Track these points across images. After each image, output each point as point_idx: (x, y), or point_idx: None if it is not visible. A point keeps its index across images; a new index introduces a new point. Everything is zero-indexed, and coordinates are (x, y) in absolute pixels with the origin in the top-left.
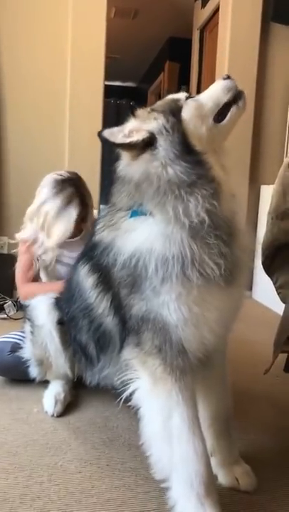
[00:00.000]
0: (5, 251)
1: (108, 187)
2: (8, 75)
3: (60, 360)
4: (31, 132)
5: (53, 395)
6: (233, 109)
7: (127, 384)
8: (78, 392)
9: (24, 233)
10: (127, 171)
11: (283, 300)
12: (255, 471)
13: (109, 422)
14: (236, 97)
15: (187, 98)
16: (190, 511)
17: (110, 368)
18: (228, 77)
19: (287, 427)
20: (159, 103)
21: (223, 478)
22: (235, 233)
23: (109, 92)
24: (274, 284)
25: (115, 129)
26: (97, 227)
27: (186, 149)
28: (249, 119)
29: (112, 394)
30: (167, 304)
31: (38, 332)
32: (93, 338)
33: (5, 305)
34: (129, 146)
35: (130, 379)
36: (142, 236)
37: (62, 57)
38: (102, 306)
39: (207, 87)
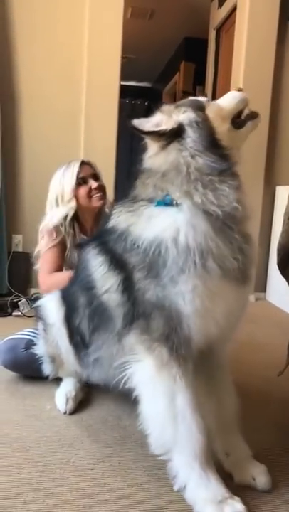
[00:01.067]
0: (20, 249)
1: (123, 189)
2: (24, 75)
3: (70, 357)
4: (46, 133)
5: (64, 393)
6: (249, 123)
7: (125, 368)
8: (90, 391)
9: (46, 220)
10: (154, 160)
11: None
12: (270, 473)
13: (121, 421)
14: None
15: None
16: (194, 479)
17: (103, 351)
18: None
19: None
20: (183, 101)
21: (239, 477)
22: (249, 232)
23: (124, 92)
24: None
25: (144, 120)
26: (114, 212)
27: (214, 143)
28: (265, 121)
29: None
30: (183, 294)
31: (50, 330)
32: (90, 317)
33: (19, 302)
34: (158, 135)
35: (129, 362)
36: (164, 223)
37: (78, 56)
38: (107, 284)
39: (223, 87)
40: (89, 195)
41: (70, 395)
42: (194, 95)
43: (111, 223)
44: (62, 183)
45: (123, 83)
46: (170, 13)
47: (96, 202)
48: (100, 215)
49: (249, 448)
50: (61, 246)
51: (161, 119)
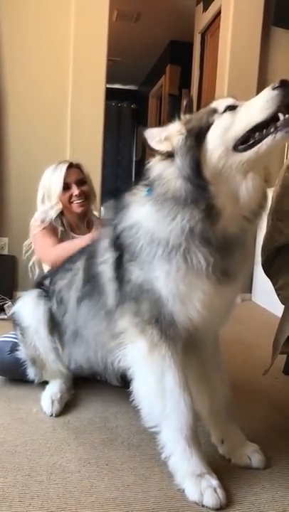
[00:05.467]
0: (5, 252)
1: (111, 188)
2: (9, 78)
3: (50, 357)
4: (32, 135)
5: (49, 395)
6: (267, 139)
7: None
8: (78, 393)
9: (37, 214)
10: (151, 166)
11: (283, 301)
12: (255, 473)
13: (108, 423)
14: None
15: (227, 109)
16: (178, 452)
17: (90, 326)
18: (283, 85)
19: (287, 429)
20: (200, 112)
21: (237, 459)
22: (234, 248)
23: (110, 94)
24: (274, 285)
25: (155, 131)
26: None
27: (195, 173)
28: None
29: (111, 394)
30: (159, 278)
31: (26, 333)
32: (83, 283)
33: (5, 306)
34: (158, 152)
35: (123, 343)
36: (141, 211)
37: (64, 59)
38: (105, 255)
39: (208, 90)
40: (70, 201)
41: (55, 397)
42: (180, 98)
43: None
44: (49, 184)
45: (109, 86)
46: (156, 16)
47: (76, 208)
48: (86, 218)
49: (240, 431)
50: (53, 231)
51: (170, 134)
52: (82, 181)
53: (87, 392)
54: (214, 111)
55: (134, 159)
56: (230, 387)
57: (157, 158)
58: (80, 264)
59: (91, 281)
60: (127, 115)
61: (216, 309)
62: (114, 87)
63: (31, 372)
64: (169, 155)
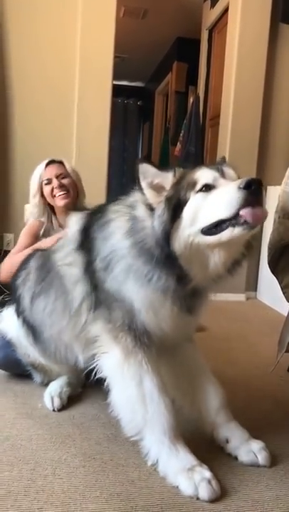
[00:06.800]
0: (11, 248)
1: (116, 186)
2: (16, 74)
3: (43, 359)
4: (38, 131)
5: (49, 392)
6: (226, 232)
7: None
8: (84, 388)
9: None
10: (137, 202)
11: (288, 299)
12: (260, 471)
13: (112, 419)
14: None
15: (203, 188)
16: (165, 452)
17: (50, 323)
18: (250, 186)
19: None
20: (187, 176)
21: (243, 456)
22: (201, 295)
23: (116, 91)
24: (280, 283)
25: (151, 171)
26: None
27: (165, 244)
28: (256, 120)
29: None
30: (131, 291)
31: (15, 345)
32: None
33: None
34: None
35: (97, 355)
36: (121, 245)
37: (71, 55)
38: (71, 257)
39: (215, 87)
40: (52, 194)
41: (54, 393)
42: (186, 95)
43: None
44: (31, 182)
45: (116, 83)
46: (163, 13)
47: (59, 201)
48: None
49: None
50: (30, 233)
51: (159, 184)
52: (63, 176)
53: (92, 389)
54: (194, 185)
55: (140, 156)
56: (235, 386)
57: (144, 199)
58: (33, 263)
59: (49, 278)
60: (133, 112)
61: (180, 329)
62: (120, 84)
63: (36, 377)
64: (151, 208)
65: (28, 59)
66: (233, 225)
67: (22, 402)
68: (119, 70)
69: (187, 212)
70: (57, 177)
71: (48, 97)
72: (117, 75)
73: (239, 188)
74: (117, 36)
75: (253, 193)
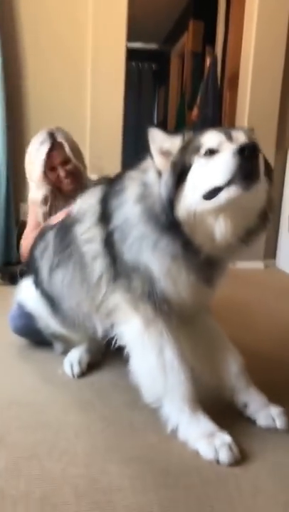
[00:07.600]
0: (27, 218)
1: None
2: (29, 37)
3: (63, 330)
4: (52, 98)
5: (68, 359)
6: (223, 193)
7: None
8: (103, 356)
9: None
10: (148, 167)
11: None
12: (278, 436)
13: (131, 386)
14: (235, 178)
15: (207, 152)
16: (185, 420)
17: (68, 295)
18: (243, 150)
19: None
20: (195, 140)
21: (262, 420)
22: (217, 264)
23: (130, 55)
24: None
25: (160, 136)
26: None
27: (169, 211)
28: (277, 80)
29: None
30: (146, 258)
31: (35, 316)
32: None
33: None
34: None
35: (117, 323)
36: (134, 211)
37: (83, 18)
38: (91, 232)
39: (233, 47)
40: (58, 181)
41: (74, 360)
42: (203, 56)
43: None
44: (31, 167)
45: (130, 45)
46: None
47: (66, 187)
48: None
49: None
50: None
51: (168, 150)
52: (66, 160)
53: (112, 356)
54: (198, 149)
55: (155, 122)
56: (253, 353)
57: (154, 164)
58: (51, 235)
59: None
60: (147, 76)
61: (198, 298)
62: (134, 47)
63: (58, 346)
64: (160, 174)
65: (41, 23)
66: (228, 187)
67: (43, 369)
68: (133, 32)
69: (190, 178)
70: (61, 164)
71: (60, 62)
72: (130, 36)
73: (233, 153)
74: None
75: (248, 158)
